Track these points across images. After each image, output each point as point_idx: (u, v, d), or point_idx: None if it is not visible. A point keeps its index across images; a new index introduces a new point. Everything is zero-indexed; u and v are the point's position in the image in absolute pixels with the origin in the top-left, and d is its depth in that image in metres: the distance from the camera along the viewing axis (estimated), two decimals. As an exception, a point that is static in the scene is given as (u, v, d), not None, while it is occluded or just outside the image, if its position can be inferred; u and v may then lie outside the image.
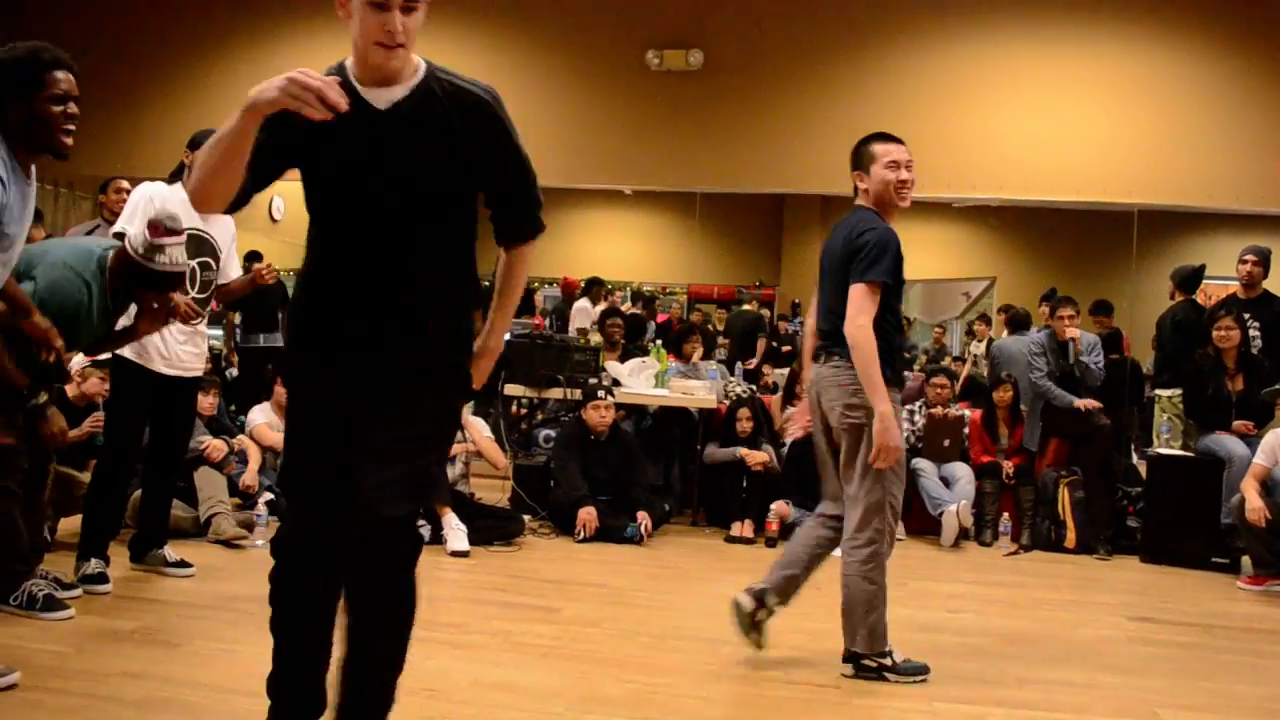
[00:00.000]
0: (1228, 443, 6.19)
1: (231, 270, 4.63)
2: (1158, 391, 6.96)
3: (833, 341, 3.72)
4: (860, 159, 3.84)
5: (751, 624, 3.83)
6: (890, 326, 3.68)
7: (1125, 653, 4.35)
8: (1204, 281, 7.67)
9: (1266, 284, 6.77)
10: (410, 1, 2.27)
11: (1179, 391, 6.64)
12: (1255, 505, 5.47)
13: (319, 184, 2.46)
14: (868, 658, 3.70)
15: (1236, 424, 6.25)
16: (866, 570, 3.68)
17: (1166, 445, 6.63)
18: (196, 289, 4.39)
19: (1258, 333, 6.60)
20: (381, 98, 2.38)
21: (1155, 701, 3.64)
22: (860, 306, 3.56)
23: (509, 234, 2.65)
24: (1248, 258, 6.72)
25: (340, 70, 2.40)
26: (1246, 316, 6.53)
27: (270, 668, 2.68)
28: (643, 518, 6.03)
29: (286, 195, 12.78)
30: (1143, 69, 9.85)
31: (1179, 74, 9.77)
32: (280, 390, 6.50)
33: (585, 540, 5.91)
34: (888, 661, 3.69)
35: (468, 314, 2.58)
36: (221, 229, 4.49)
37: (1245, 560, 5.90)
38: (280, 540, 2.56)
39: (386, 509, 2.31)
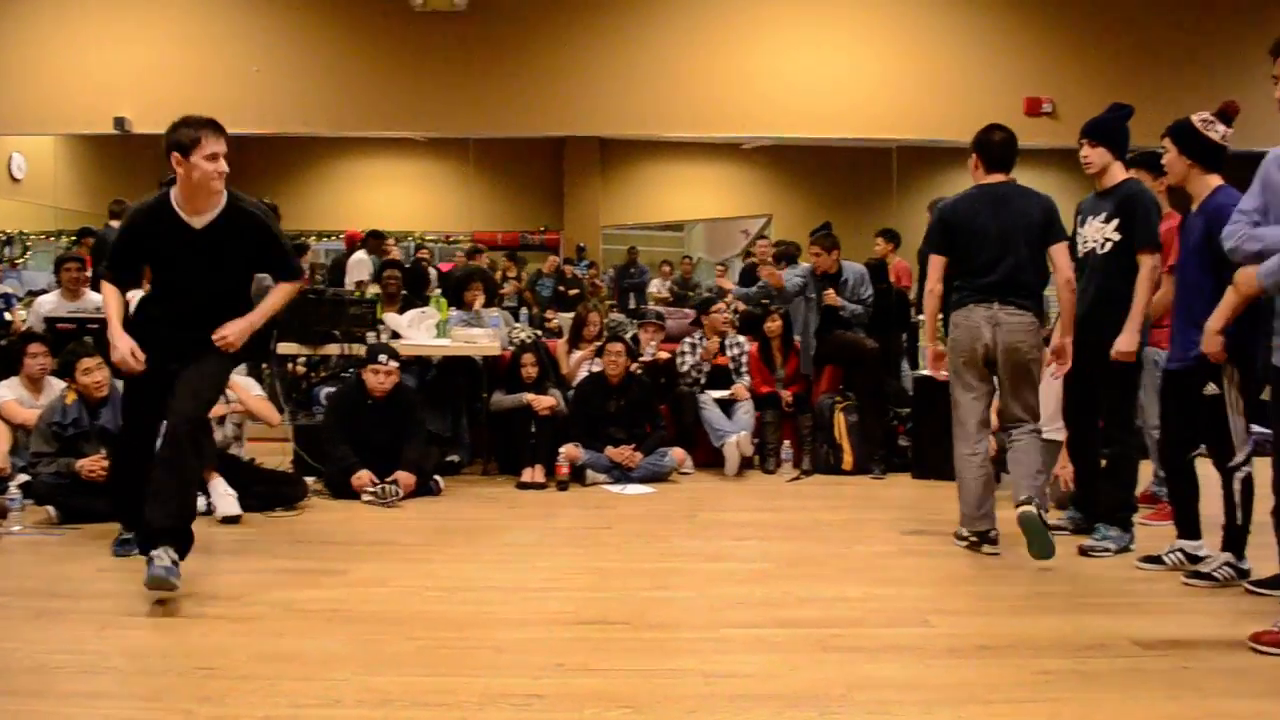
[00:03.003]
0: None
1: None
2: (920, 316, 7.30)
3: (1017, 293, 4.70)
4: None
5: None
6: None
7: (898, 565, 4.59)
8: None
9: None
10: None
11: (940, 316, 6.98)
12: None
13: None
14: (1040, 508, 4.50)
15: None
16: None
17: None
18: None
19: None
20: (198, 221, 4.07)
21: (926, 609, 3.86)
22: (1067, 261, 4.74)
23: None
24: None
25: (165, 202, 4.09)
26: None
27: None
28: (403, 478, 5.79)
29: (27, 152, 11.80)
30: (898, 10, 10.26)
31: (933, 17, 10.23)
32: (30, 363, 6.02)
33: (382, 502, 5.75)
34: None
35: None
36: None
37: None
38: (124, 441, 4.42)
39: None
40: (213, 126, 3.98)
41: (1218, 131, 4.24)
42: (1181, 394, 4.28)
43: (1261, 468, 3.99)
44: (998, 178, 4.83)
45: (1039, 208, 4.74)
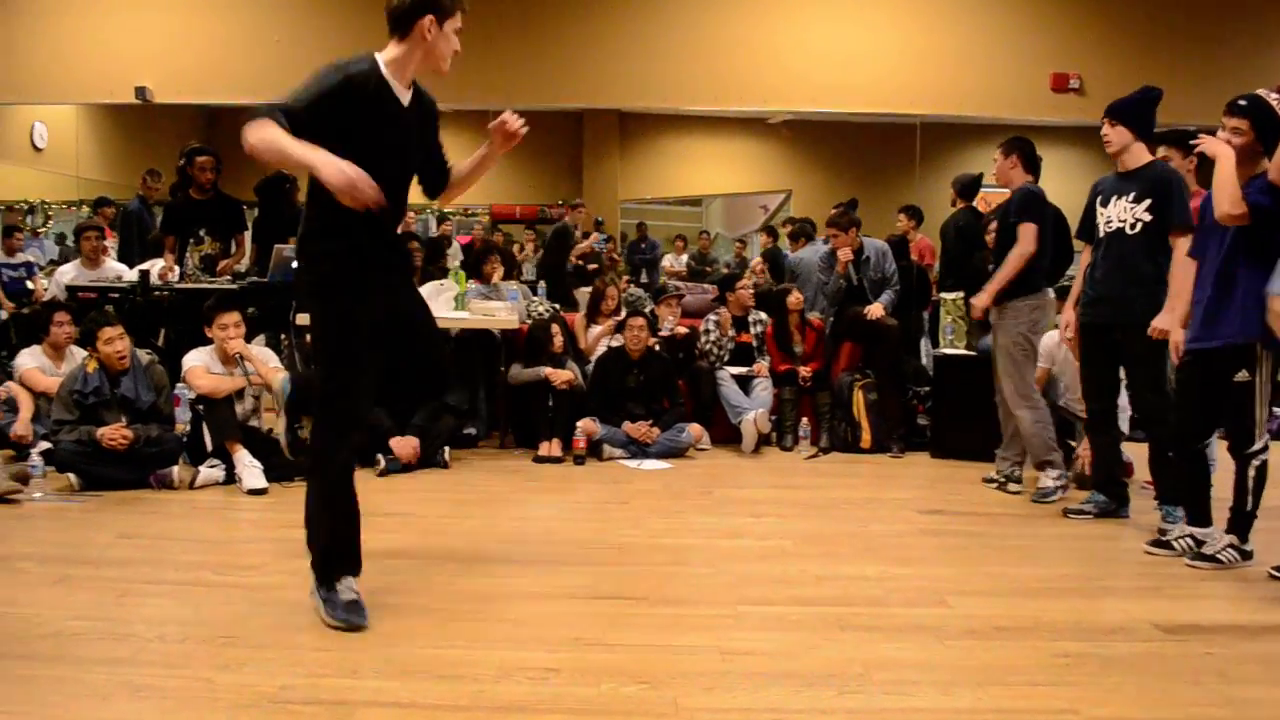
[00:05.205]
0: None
1: None
2: (942, 295, 7.25)
3: None
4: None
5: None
6: None
7: (917, 545, 4.57)
8: (982, 189, 8.02)
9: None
10: None
11: (962, 294, 6.93)
12: None
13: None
14: None
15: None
16: None
17: (951, 346, 6.94)
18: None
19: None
20: (405, 96, 3.38)
21: (944, 589, 3.84)
22: None
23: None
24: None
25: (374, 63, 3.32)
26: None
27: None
28: (396, 444, 5.88)
29: (49, 121, 11.81)
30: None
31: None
32: (57, 331, 6.06)
33: (405, 469, 5.83)
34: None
35: None
36: None
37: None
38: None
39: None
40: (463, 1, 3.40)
41: None
42: (1205, 376, 4.22)
43: (1276, 452, 3.97)
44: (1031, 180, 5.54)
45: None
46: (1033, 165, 5.51)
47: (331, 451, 3.41)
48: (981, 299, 5.47)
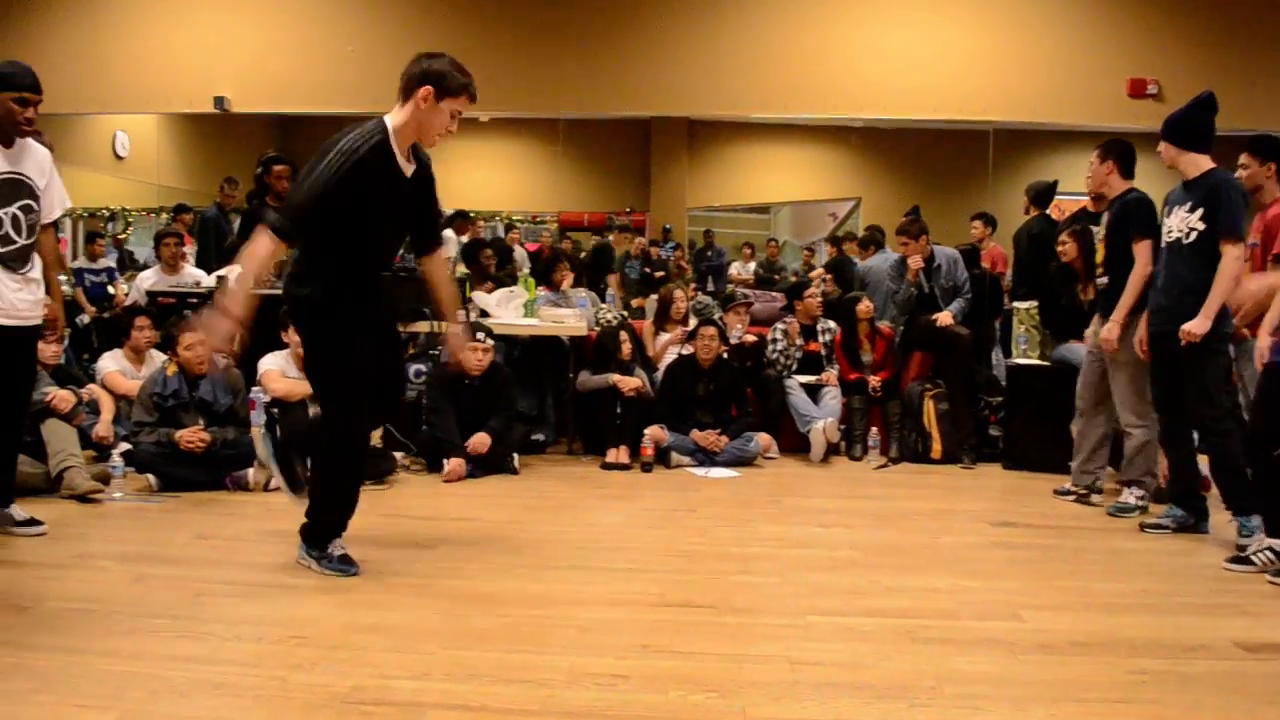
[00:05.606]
0: (1080, 351, 6.40)
1: (55, 204, 4.30)
2: (1015, 304, 7.14)
3: None
4: None
5: None
6: None
7: (988, 557, 4.50)
8: (1057, 196, 7.89)
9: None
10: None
11: (1035, 303, 6.83)
12: None
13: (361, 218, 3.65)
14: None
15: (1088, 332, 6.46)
16: None
17: (1024, 355, 6.83)
18: (24, 235, 4.11)
19: (1108, 244, 6.79)
20: (409, 168, 3.74)
21: (1017, 603, 3.77)
22: None
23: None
24: (1095, 172, 6.89)
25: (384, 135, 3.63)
26: (1095, 229, 6.71)
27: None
28: (477, 440, 5.93)
29: (130, 130, 12.13)
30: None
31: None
32: (137, 335, 6.21)
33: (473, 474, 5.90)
34: None
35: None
36: (34, 164, 4.16)
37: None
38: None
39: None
40: (472, 89, 3.70)
41: None
42: None
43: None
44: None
45: None
46: (1131, 170, 5.37)
47: (339, 452, 3.90)
48: (1114, 330, 5.17)
